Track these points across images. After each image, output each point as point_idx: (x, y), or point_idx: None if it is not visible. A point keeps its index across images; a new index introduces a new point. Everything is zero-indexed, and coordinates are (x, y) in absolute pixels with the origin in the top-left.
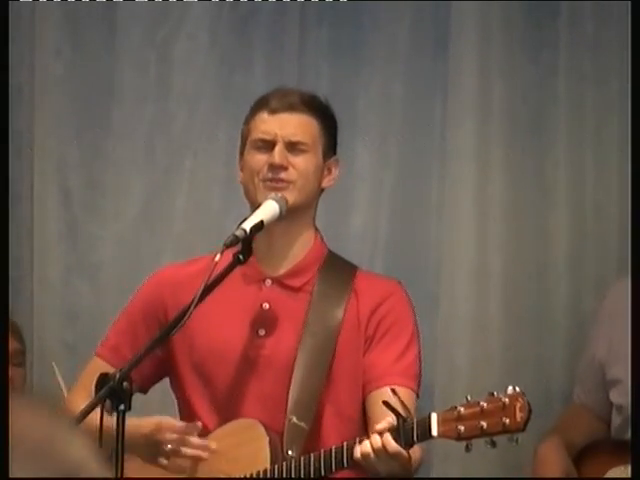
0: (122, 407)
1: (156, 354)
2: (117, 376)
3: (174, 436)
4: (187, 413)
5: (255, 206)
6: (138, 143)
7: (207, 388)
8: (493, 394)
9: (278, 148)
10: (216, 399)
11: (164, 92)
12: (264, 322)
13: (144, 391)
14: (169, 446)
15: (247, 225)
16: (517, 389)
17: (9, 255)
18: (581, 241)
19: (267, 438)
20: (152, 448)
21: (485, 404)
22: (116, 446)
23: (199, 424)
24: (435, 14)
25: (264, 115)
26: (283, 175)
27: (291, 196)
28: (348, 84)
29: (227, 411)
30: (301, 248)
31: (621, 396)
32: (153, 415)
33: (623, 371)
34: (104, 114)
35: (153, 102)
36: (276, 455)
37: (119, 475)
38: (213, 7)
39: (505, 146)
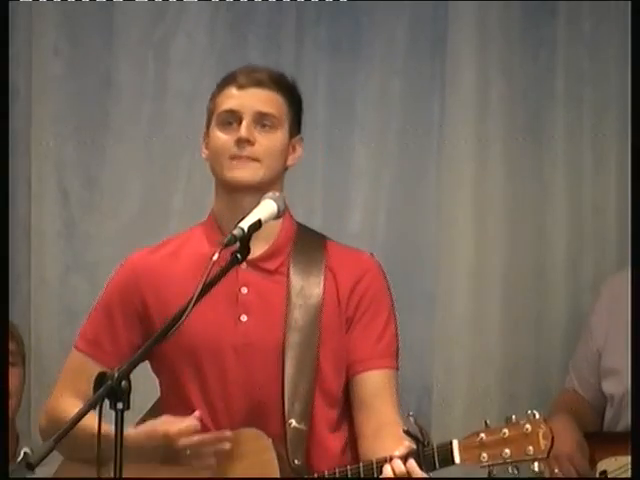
0: (120, 406)
1: (133, 341)
2: (115, 375)
3: (189, 441)
4: (178, 398)
5: (220, 184)
6: (136, 142)
7: (197, 376)
8: (511, 419)
9: (245, 122)
10: (206, 388)
11: (162, 91)
12: (244, 307)
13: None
14: (188, 452)
15: (245, 224)
16: (537, 415)
17: (9, 255)
18: (579, 240)
19: (274, 450)
20: (171, 456)
21: (507, 431)
22: (115, 445)
23: (197, 414)
24: (433, 12)
25: (232, 90)
26: (249, 150)
27: (258, 173)
28: (346, 82)
29: (220, 402)
30: (272, 229)
31: (613, 386)
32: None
33: (617, 362)
34: (102, 113)
35: (151, 101)
36: (283, 466)
37: (119, 475)
38: (210, 6)
39: (503, 144)
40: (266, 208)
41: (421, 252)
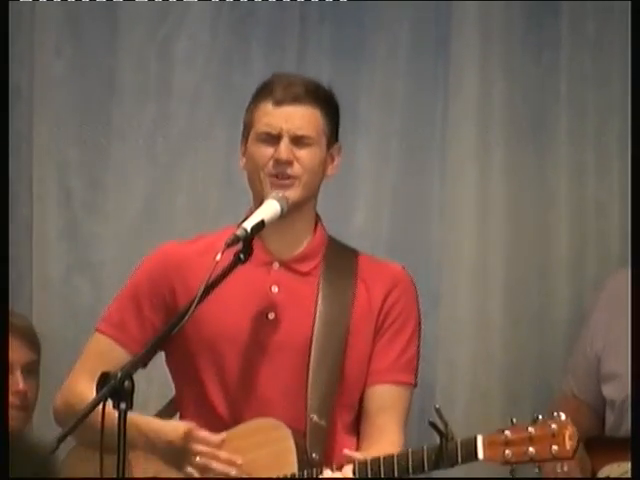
0: (123, 406)
1: (159, 330)
2: (119, 375)
3: (205, 449)
4: (195, 390)
5: (259, 198)
6: (139, 142)
7: (218, 371)
8: (538, 418)
9: (284, 143)
10: (227, 382)
11: (164, 91)
12: (273, 306)
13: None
14: (198, 458)
15: (248, 224)
16: (563, 416)
17: (9, 255)
18: (582, 241)
19: (293, 440)
20: (176, 455)
21: (533, 430)
22: (117, 445)
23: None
24: (436, 14)
25: (268, 106)
26: (289, 171)
27: (296, 192)
28: (349, 83)
29: (241, 397)
30: (306, 234)
31: (614, 391)
32: (151, 411)
33: (617, 366)
34: (104, 113)
35: (153, 101)
36: (301, 457)
37: (121, 474)
38: (213, 6)
39: (506, 146)
40: (269, 208)
41: (424, 252)
